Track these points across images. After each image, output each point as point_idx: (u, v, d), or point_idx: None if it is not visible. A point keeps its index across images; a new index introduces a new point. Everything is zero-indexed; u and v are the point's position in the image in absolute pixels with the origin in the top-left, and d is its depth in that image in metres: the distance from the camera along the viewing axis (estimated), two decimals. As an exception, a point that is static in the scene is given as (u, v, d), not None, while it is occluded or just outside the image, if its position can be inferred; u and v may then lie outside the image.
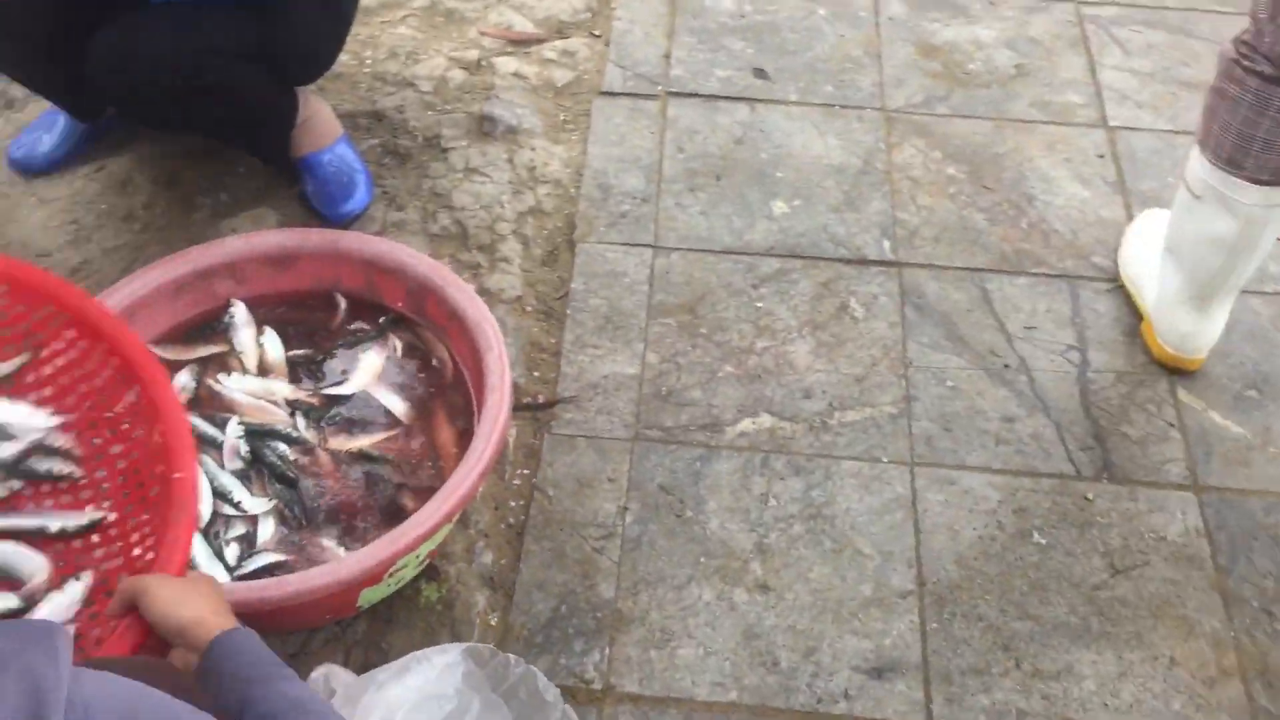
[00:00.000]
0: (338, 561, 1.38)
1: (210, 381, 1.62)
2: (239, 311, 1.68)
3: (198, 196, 2.06)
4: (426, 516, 1.41)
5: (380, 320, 1.70)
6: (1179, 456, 1.75)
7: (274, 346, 1.66)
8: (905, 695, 1.50)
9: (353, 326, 1.70)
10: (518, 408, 1.79)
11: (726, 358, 1.86)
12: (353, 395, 1.62)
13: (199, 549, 1.43)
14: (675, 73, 2.34)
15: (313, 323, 1.71)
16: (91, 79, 1.74)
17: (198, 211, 2.04)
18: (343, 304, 1.72)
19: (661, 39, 2.42)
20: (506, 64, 2.35)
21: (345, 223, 2.01)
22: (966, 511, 1.69)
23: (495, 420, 1.48)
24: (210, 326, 1.68)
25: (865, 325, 1.91)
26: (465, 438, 1.56)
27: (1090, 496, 1.71)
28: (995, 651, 1.54)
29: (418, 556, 1.46)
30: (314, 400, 1.61)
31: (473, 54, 2.36)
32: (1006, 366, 1.87)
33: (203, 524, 1.47)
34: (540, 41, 2.41)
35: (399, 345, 1.68)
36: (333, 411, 1.59)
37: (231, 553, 1.44)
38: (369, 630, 1.53)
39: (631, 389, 1.82)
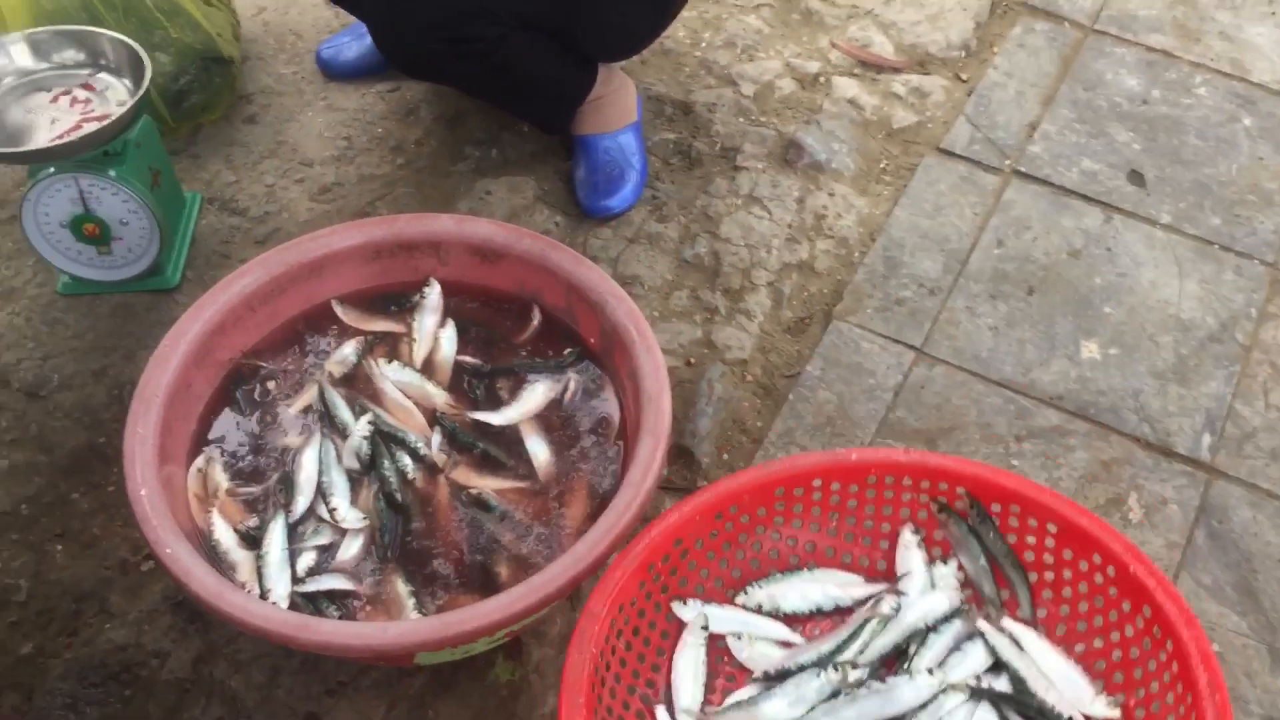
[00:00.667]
0: (389, 624, 1.22)
1: (371, 360, 1.49)
2: (433, 293, 1.54)
3: (469, 146, 1.94)
4: (511, 601, 1.21)
5: (566, 352, 1.50)
6: None
7: (448, 343, 1.51)
8: None
9: (536, 347, 1.51)
10: (688, 490, 1.55)
11: (947, 514, 1.54)
12: (502, 428, 1.44)
13: (275, 543, 1.31)
14: (1034, 149, 1.96)
15: (499, 329, 1.54)
16: (370, 28, 1.65)
17: (463, 162, 1.92)
18: (536, 320, 1.53)
19: (1035, 104, 2.04)
20: (846, 87, 2.06)
21: (602, 218, 1.83)
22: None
23: (625, 508, 1.25)
24: (398, 300, 1.54)
25: (1133, 533, 1.52)
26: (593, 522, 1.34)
27: None
28: None
29: (491, 637, 1.27)
30: (461, 419, 1.44)
31: (813, 66, 2.09)
32: (1302, 654, 1.43)
33: (299, 514, 1.35)
34: (896, 70, 2.10)
35: (574, 387, 1.48)
36: (473, 440, 1.42)
37: (304, 561, 1.31)
38: (424, 689, 1.37)
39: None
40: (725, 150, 1.94)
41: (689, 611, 1.35)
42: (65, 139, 1.55)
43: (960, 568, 1.35)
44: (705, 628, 1.34)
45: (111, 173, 1.62)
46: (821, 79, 2.07)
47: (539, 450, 1.42)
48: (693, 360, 1.68)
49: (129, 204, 1.64)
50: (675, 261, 1.80)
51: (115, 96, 1.63)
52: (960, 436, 1.61)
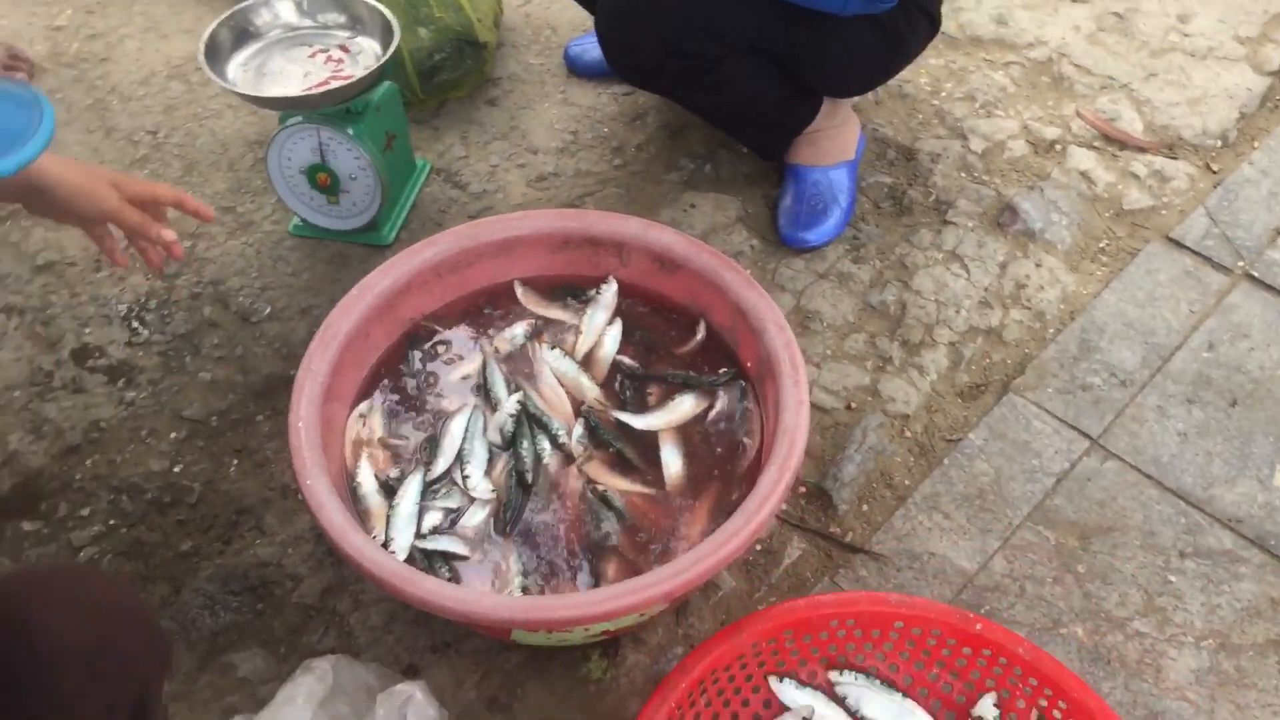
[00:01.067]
0: (487, 595, 1.28)
1: (537, 344, 1.55)
2: (609, 291, 1.59)
3: (685, 158, 1.98)
4: (603, 599, 1.24)
5: (721, 371, 1.52)
6: None
7: (611, 341, 1.55)
8: None
9: (694, 361, 1.54)
10: (819, 533, 1.54)
11: (1083, 614, 1.46)
12: (642, 432, 1.47)
13: (408, 496, 1.39)
14: (1274, 254, 1.83)
15: (663, 338, 1.57)
16: (598, 30, 1.71)
17: (675, 172, 1.96)
18: (700, 335, 1.56)
19: (1287, 208, 1.90)
20: (1082, 158, 1.98)
21: (798, 249, 1.84)
22: None
23: (735, 532, 1.26)
24: (575, 291, 1.60)
25: (1289, 681, 1.40)
26: (710, 542, 1.35)
27: None
28: None
29: (586, 630, 1.31)
30: (605, 416, 1.48)
31: (1052, 132, 2.02)
32: None
33: (437, 474, 1.43)
34: (1140, 150, 2.00)
35: (721, 406, 1.49)
36: (612, 438, 1.46)
37: (430, 519, 1.38)
38: (518, 668, 1.42)
39: (953, 585, 1.49)
40: (938, 203, 1.91)
41: (787, 691, 1.35)
42: (310, 92, 1.68)
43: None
44: (808, 717, 1.34)
45: (349, 130, 1.74)
46: (1058, 147, 2.00)
47: (672, 461, 1.45)
48: (854, 405, 1.66)
49: (360, 161, 1.77)
50: (860, 304, 1.78)
51: (364, 61, 1.75)
52: (1118, 539, 1.53)
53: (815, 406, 1.66)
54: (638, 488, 1.43)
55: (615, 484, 1.43)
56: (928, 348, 1.73)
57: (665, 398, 1.51)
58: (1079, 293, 1.81)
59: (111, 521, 1.55)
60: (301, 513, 1.56)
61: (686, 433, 1.48)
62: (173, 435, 1.64)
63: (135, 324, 1.77)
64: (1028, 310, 1.78)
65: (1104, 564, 1.50)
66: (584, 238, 1.60)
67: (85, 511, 1.55)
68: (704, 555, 1.27)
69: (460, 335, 1.57)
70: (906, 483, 1.60)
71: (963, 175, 1.95)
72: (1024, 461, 1.60)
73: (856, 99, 1.93)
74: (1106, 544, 1.52)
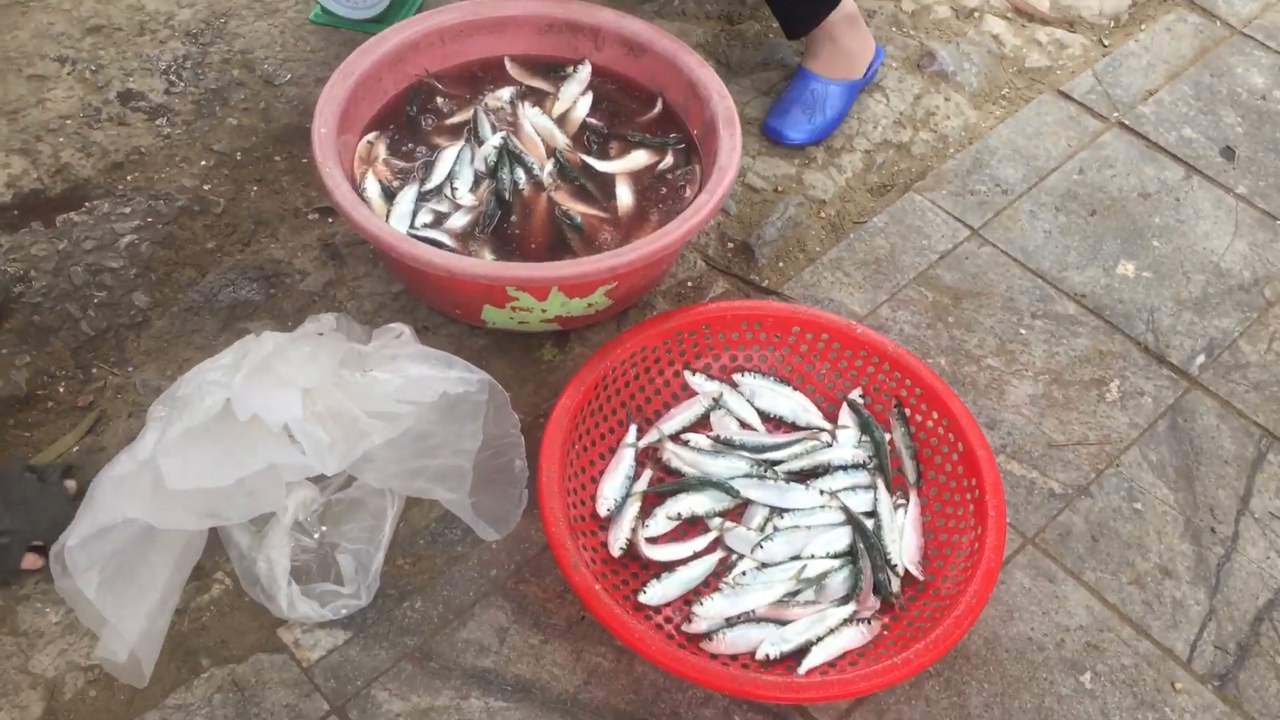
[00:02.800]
0: (464, 258, 1.58)
1: (521, 103, 1.85)
2: (584, 70, 1.89)
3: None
4: (557, 269, 1.56)
5: (672, 135, 1.83)
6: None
7: (582, 107, 1.86)
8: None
9: (651, 128, 1.85)
10: (740, 277, 1.86)
11: (948, 350, 1.79)
12: (602, 173, 1.78)
13: (405, 197, 1.69)
14: (1144, 109, 2.17)
15: (626, 109, 1.88)
16: None
17: (649, 3, 2.26)
18: (658, 108, 1.87)
19: (1161, 77, 2.24)
20: (995, 25, 2.31)
21: (774, 139, 2.05)
22: (1040, 611, 1.53)
23: (664, 234, 1.58)
24: (557, 69, 1.90)
25: (1105, 409, 1.74)
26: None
27: (1178, 687, 1.48)
28: None
29: (544, 310, 1.62)
30: (573, 158, 1.79)
31: (974, 2, 2.35)
32: (1212, 531, 1.62)
33: (431, 185, 1.73)
34: (1045, 23, 2.34)
35: (669, 161, 1.80)
36: (577, 175, 1.77)
37: (422, 217, 1.68)
38: (486, 348, 1.73)
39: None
40: (870, 47, 2.23)
41: (699, 381, 1.67)
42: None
43: (891, 442, 1.63)
44: (716, 399, 1.66)
45: (370, -73, 2.04)
46: (976, 14, 2.33)
47: (625, 196, 1.76)
48: (780, 189, 1.98)
49: (377, -44, 2.07)
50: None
51: None
52: (983, 300, 1.86)
53: (747, 186, 1.98)
54: (595, 212, 1.74)
55: (577, 208, 1.74)
56: (847, 152, 2.05)
57: (624, 151, 1.82)
58: (979, 125, 2.14)
59: (149, 219, 1.84)
60: (311, 229, 1.86)
61: (639, 177, 1.79)
62: (202, 163, 1.93)
63: (173, 78, 2.06)
64: (934, 133, 2.11)
65: (970, 318, 1.84)
66: (565, 23, 1.90)
67: (127, 209, 1.84)
68: (642, 245, 1.58)
69: (458, 91, 1.87)
70: (817, 249, 1.92)
71: (893, 29, 2.27)
72: (916, 241, 1.93)
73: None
74: (974, 304, 1.86)
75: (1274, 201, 2.04)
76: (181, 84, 2.05)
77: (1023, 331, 1.83)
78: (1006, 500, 1.62)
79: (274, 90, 2.05)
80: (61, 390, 1.64)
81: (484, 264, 1.59)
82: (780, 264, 1.90)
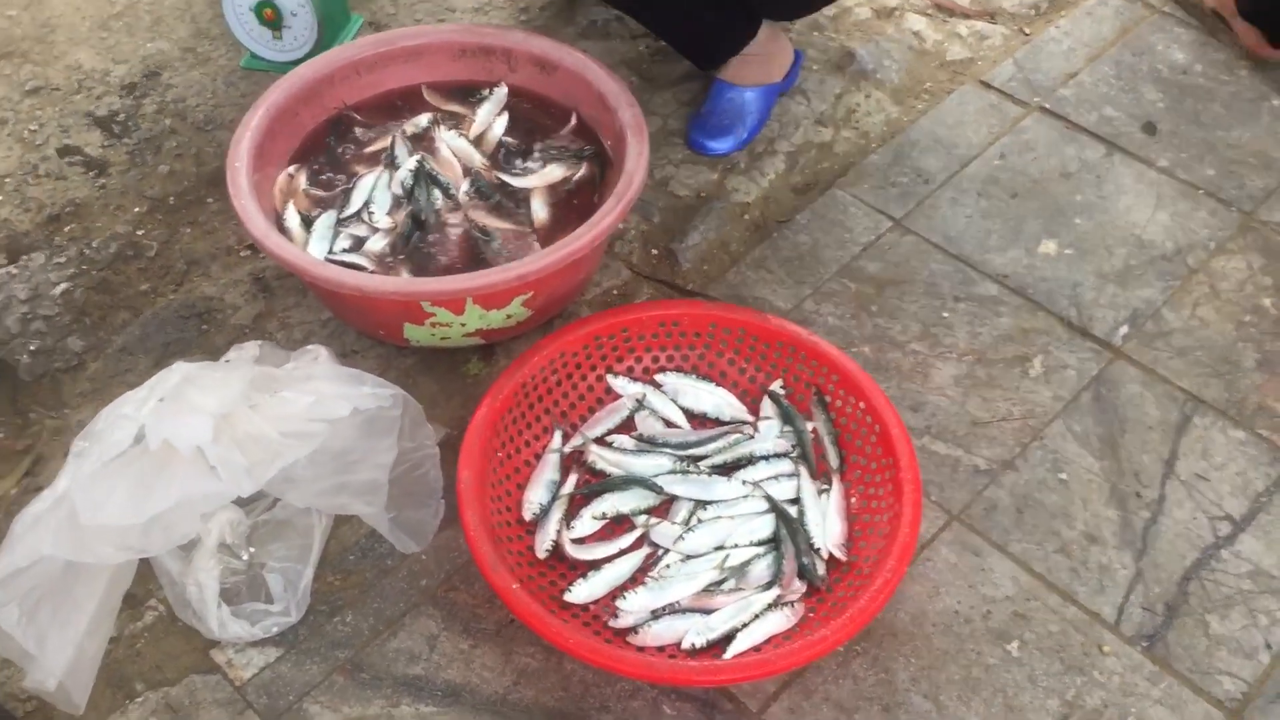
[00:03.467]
0: (375, 277, 1.62)
1: (438, 127, 1.89)
2: (500, 92, 1.93)
3: (581, 18, 2.33)
4: (468, 280, 1.59)
5: (585, 149, 1.87)
6: (1240, 674, 1.45)
7: (499, 126, 1.90)
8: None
9: (564, 142, 1.89)
10: (665, 282, 1.89)
11: (872, 338, 1.81)
12: (518, 189, 1.82)
13: (323, 222, 1.73)
14: (1064, 92, 2.20)
15: (541, 125, 1.92)
16: None
17: (571, 27, 2.31)
18: (573, 122, 1.91)
19: (1081, 60, 2.27)
20: (915, 22, 2.35)
21: (698, 152, 2.08)
22: (965, 585, 1.54)
23: (573, 239, 1.61)
24: (471, 92, 1.95)
25: (1029, 384, 1.75)
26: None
27: (1105, 650, 1.48)
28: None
29: (463, 324, 1.65)
30: (489, 176, 1.83)
31: (893, 1, 2.39)
32: (1138, 495, 1.63)
33: (348, 214, 1.77)
34: (966, 16, 2.37)
35: (583, 173, 1.84)
36: (493, 193, 1.80)
37: (340, 243, 1.72)
38: (413, 367, 1.77)
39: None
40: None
41: (621, 383, 1.70)
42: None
43: (814, 431, 1.65)
44: (640, 400, 1.69)
45: (291, -28, 2.10)
46: (897, 13, 2.37)
47: (540, 210, 1.80)
48: (703, 195, 2.02)
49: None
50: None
51: (305, -86, 2.11)
52: (905, 288, 1.88)
53: (670, 194, 2.01)
54: (511, 226, 1.78)
55: (492, 223, 1.78)
56: (769, 155, 2.08)
57: (540, 166, 1.86)
58: (900, 119, 2.17)
59: (83, 267, 1.88)
60: (242, 265, 1.90)
61: (554, 190, 1.83)
62: (136, 210, 1.98)
63: (109, 130, 2.11)
64: (855, 130, 2.14)
65: (893, 305, 1.86)
66: (478, 47, 1.95)
67: (62, 259, 1.89)
68: (550, 252, 1.62)
69: (377, 120, 1.92)
70: (741, 250, 1.95)
71: (814, 33, 2.31)
72: (838, 235, 1.96)
73: (794, 25, 2.21)
74: (897, 292, 1.88)
75: (1195, 172, 2.06)
76: (116, 135, 2.10)
77: (945, 315, 1.85)
78: (932, 480, 1.64)
79: (205, 135, 2.10)
80: (0, 435, 1.68)
81: (396, 280, 1.62)
82: (705, 267, 1.92)
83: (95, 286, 1.86)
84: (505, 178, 1.83)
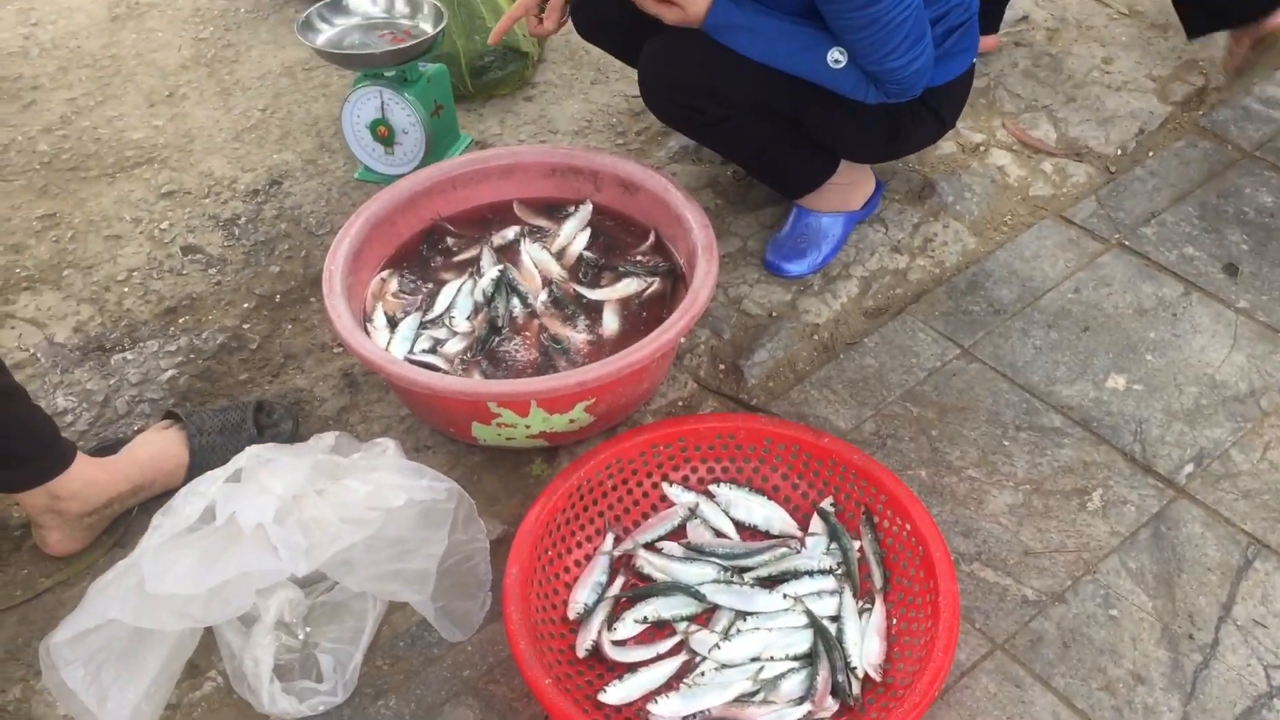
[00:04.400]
0: (445, 377, 1.72)
1: (524, 240, 2.01)
2: (585, 210, 2.05)
3: (674, 143, 2.45)
4: (532, 384, 1.68)
5: (659, 265, 1.96)
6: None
7: (580, 242, 2.00)
8: None
9: (641, 259, 1.98)
10: (730, 396, 1.95)
11: (929, 462, 1.83)
12: (592, 301, 1.91)
13: (407, 324, 1.85)
14: (1146, 230, 2.21)
15: (621, 242, 2.02)
16: (639, 80, 1.98)
17: (663, 150, 2.43)
18: (651, 239, 2.00)
19: (1166, 199, 2.28)
20: (1000, 158, 2.40)
21: (776, 275, 2.14)
22: (1004, 716, 1.53)
23: (637, 349, 1.69)
24: (559, 208, 2.07)
25: (1085, 518, 1.74)
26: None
27: (1144, 796, 1.45)
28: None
29: (528, 426, 1.73)
30: (566, 288, 1.93)
31: (978, 137, 2.45)
32: (1190, 638, 1.60)
33: (431, 317, 1.88)
34: (1051, 155, 2.41)
35: (653, 289, 1.92)
36: (569, 304, 1.90)
37: (421, 344, 1.84)
38: (478, 465, 1.85)
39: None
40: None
41: (676, 492, 1.75)
42: (380, 50, 2.22)
43: (860, 550, 1.67)
44: (692, 509, 1.74)
45: (405, 93, 2.26)
46: (982, 148, 2.42)
47: (611, 322, 1.89)
48: (775, 314, 2.08)
49: (411, 118, 2.28)
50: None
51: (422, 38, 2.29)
52: (968, 415, 1.90)
53: (742, 312, 2.08)
54: (583, 337, 1.87)
55: (564, 332, 1.87)
56: (843, 279, 2.14)
57: (613, 281, 1.95)
58: (978, 250, 2.21)
59: (191, 355, 2.03)
60: (333, 361, 2.03)
61: (626, 304, 1.92)
62: (245, 305, 2.14)
63: (229, 231, 2.29)
64: (931, 259, 2.18)
65: (953, 431, 1.88)
66: (568, 167, 2.07)
67: (172, 347, 2.05)
68: (611, 361, 1.70)
69: (468, 232, 2.04)
70: (807, 369, 2.00)
71: (898, 164, 2.38)
72: (904, 360, 1.99)
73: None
74: (958, 418, 1.90)
75: (1276, 315, 2.04)
76: (236, 237, 2.28)
77: (1006, 443, 1.85)
78: (977, 608, 1.64)
79: (315, 239, 2.26)
80: (98, 507, 1.81)
81: (464, 381, 1.72)
82: (770, 383, 1.98)
83: (199, 374, 2.00)
84: (581, 290, 1.93)
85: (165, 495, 1.67)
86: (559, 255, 1.99)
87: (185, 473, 1.78)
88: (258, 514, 1.46)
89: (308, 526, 1.50)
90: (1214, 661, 1.57)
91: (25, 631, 1.64)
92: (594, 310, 1.91)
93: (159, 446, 1.78)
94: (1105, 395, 1.92)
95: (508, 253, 2.01)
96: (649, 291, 1.92)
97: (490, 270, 1.93)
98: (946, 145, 2.42)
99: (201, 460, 1.78)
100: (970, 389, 1.94)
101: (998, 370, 1.97)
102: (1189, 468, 1.80)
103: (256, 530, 1.46)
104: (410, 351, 1.83)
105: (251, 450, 1.56)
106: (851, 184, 2.16)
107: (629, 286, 1.93)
